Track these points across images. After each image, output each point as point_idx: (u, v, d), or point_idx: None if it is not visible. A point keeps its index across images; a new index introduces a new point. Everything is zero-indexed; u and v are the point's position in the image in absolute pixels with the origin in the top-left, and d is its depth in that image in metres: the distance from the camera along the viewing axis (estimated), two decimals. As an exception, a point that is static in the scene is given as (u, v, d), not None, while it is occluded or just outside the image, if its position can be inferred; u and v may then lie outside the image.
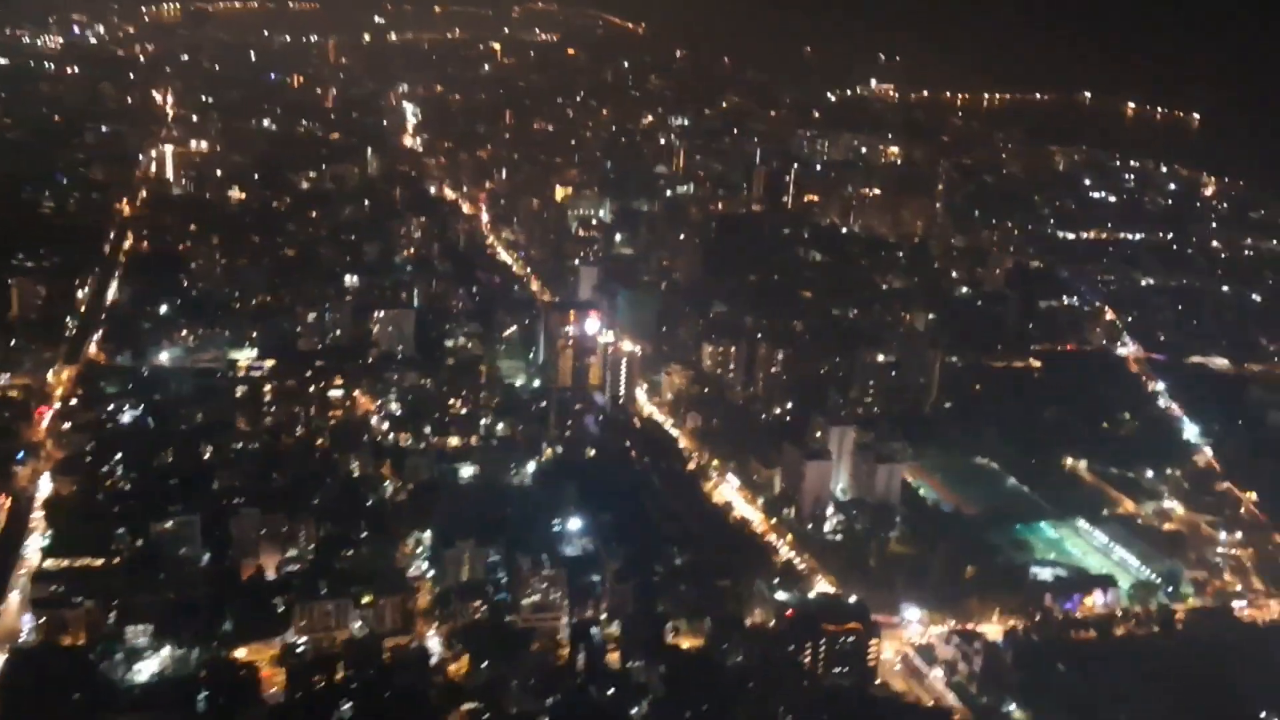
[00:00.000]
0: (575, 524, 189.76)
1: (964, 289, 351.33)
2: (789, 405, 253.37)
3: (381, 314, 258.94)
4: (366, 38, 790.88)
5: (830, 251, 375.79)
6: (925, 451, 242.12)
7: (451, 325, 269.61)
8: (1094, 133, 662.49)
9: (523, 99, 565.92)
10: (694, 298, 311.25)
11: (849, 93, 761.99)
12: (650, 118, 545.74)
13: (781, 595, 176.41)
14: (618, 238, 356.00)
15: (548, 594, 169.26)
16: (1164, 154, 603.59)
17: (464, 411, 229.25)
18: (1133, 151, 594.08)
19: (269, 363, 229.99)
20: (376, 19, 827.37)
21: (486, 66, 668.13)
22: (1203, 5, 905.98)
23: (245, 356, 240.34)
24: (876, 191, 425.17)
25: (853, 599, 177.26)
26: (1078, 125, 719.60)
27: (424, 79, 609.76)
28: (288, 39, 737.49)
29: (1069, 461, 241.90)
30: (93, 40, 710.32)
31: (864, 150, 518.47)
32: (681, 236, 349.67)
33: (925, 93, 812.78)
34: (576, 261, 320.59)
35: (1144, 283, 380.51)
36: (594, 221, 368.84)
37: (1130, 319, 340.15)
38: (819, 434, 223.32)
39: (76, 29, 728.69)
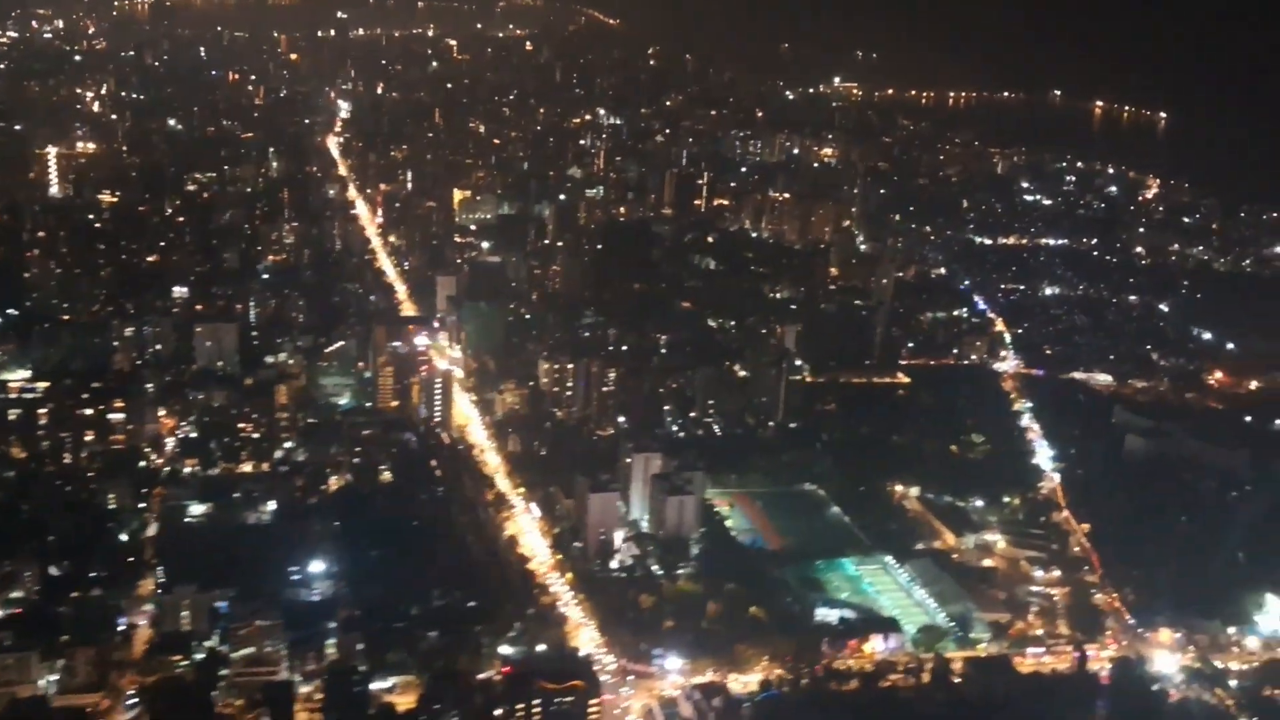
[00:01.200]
0: (325, 564, 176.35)
1: (855, 299, 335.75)
2: (625, 427, 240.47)
3: (201, 328, 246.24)
4: (332, 33, 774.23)
5: (728, 259, 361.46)
6: (751, 477, 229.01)
7: (284, 339, 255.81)
8: (1053, 133, 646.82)
9: (460, 97, 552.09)
10: (564, 308, 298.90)
11: (810, 91, 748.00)
12: (587, 116, 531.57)
13: (507, 649, 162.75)
14: (486, 245, 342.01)
15: (264, 646, 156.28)
16: (1116, 155, 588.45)
17: (257, 435, 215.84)
18: (1079, 152, 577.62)
19: (42, 384, 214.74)
20: (340, 14, 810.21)
21: (435, 63, 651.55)
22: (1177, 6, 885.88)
23: (21, 375, 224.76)
24: (786, 196, 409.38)
25: (584, 652, 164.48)
26: (1038, 125, 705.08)
27: (369, 76, 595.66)
28: (247, 35, 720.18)
29: (900, 489, 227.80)
30: (47, 35, 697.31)
31: (796, 152, 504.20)
32: (560, 243, 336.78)
33: (890, 91, 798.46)
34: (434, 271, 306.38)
35: (1049, 292, 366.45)
36: (473, 227, 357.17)
37: (1021, 331, 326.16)
38: (628, 460, 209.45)
39: (35, 23, 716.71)
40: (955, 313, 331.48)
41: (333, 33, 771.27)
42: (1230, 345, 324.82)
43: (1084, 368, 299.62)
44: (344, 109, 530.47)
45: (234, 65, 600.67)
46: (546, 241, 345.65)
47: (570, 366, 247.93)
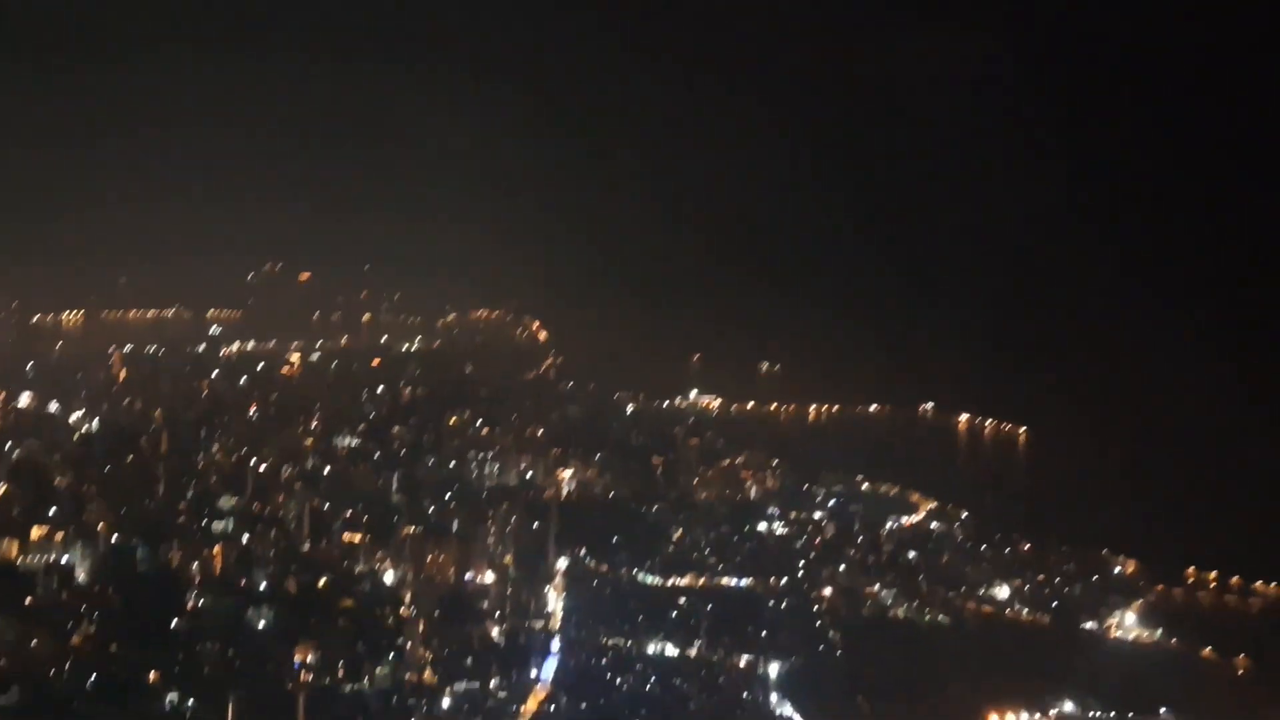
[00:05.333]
0: None
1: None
2: None
3: None
4: (201, 347, 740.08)
5: (298, 613, 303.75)
6: None
7: None
8: (877, 450, 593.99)
9: (223, 416, 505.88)
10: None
11: (664, 405, 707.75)
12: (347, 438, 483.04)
13: None
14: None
15: None
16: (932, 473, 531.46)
17: None
18: (882, 473, 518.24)
19: None
20: (214, 329, 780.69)
21: (244, 379, 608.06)
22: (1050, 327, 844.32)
23: None
24: (417, 530, 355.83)
25: None
26: (873, 441, 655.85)
27: (157, 392, 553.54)
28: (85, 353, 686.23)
29: None
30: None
31: (530, 475, 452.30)
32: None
33: (750, 404, 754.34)
34: None
35: (660, 650, 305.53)
36: None
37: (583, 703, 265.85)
38: None
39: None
40: (494, 681, 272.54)
41: (202, 347, 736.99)
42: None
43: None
44: (90, 428, 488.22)
45: (47, 382, 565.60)
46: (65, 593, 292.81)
47: None
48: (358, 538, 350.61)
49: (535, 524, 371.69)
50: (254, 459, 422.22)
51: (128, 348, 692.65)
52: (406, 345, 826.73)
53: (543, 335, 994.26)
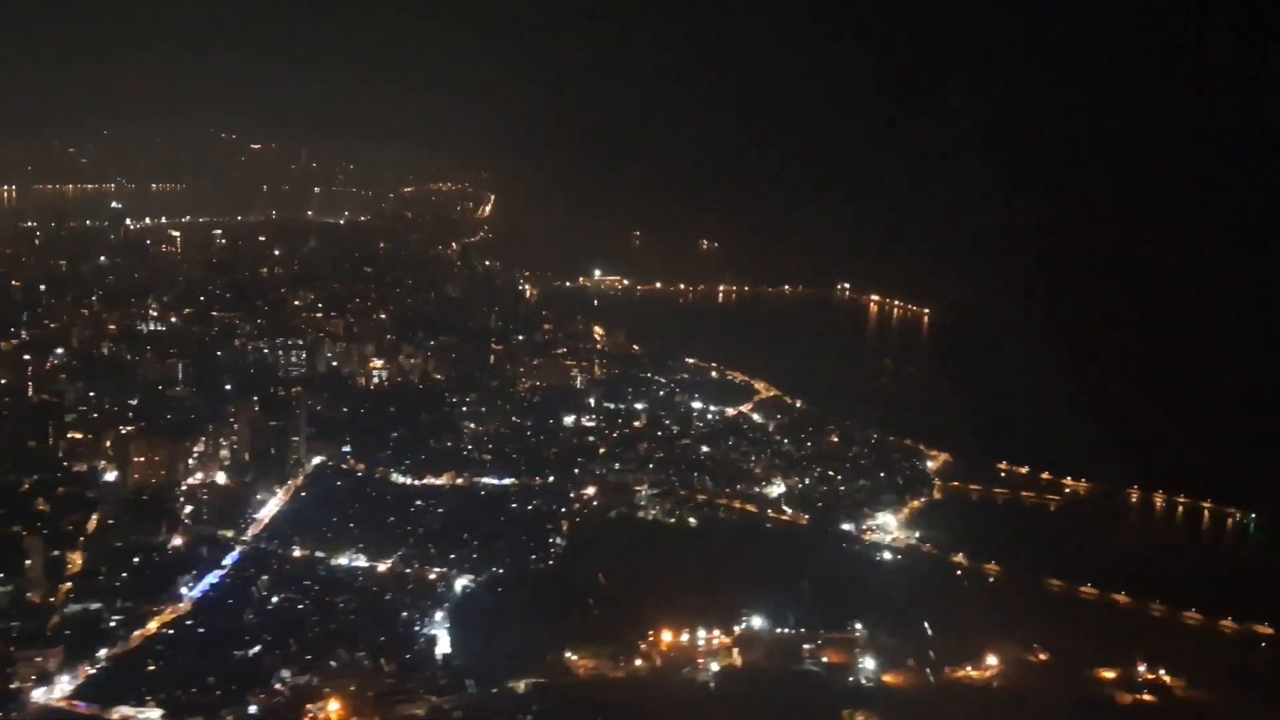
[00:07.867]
0: None
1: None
2: None
3: None
4: (105, 223, 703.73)
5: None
6: None
7: None
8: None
9: (61, 295, 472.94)
10: None
11: (567, 284, 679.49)
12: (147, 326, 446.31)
13: None
14: None
15: None
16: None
17: None
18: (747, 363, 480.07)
19: None
20: (115, 204, 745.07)
21: (103, 256, 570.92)
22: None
23: None
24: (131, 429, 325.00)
25: None
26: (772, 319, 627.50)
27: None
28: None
29: None
30: None
31: (335, 364, 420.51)
32: None
33: (657, 284, 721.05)
34: None
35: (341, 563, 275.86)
36: None
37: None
38: None
39: None
40: (120, 601, 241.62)
41: (106, 223, 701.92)
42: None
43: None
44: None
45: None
46: None
47: None
48: (81, 435, 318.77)
49: (296, 419, 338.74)
50: (33, 346, 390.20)
51: (31, 224, 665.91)
52: (332, 219, 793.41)
53: (486, 211, 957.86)
